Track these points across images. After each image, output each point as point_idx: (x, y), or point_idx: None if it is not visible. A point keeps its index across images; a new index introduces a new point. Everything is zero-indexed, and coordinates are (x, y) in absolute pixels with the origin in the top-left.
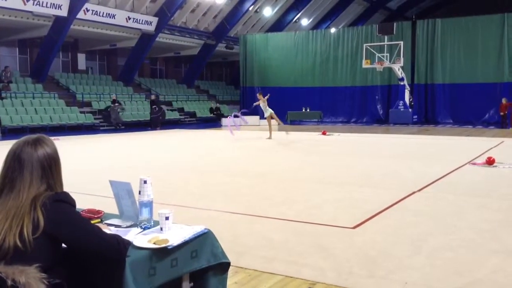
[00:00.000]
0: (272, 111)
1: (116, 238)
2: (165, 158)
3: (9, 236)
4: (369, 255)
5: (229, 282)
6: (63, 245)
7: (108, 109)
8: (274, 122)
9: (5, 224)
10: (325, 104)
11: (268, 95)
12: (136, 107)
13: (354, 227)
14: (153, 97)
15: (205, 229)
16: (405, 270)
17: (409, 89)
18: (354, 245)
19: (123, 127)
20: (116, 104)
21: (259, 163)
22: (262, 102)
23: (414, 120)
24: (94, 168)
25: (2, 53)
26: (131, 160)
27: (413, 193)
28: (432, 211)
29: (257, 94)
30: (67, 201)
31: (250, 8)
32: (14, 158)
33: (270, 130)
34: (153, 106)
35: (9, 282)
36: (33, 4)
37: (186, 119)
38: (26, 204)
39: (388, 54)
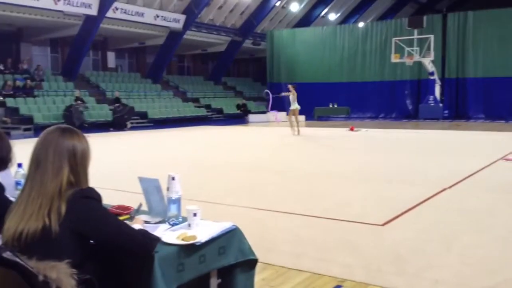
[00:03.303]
0: (299, 107)
1: (143, 234)
2: (191, 154)
3: (39, 214)
4: (399, 252)
5: (257, 278)
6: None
7: (70, 108)
8: (300, 118)
9: (36, 202)
10: (353, 99)
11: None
12: (164, 104)
13: (383, 224)
14: (116, 94)
15: (233, 225)
16: (436, 268)
17: (439, 83)
18: (383, 242)
19: (86, 125)
20: (79, 102)
21: (285, 159)
22: (292, 95)
23: (445, 115)
24: (119, 164)
25: (34, 52)
26: (156, 157)
27: (444, 189)
28: (463, 208)
29: (289, 86)
30: (93, 196)
31: (277, 4)
32: (40, 140)
33: (298, 126)
34: (116, 105)
35: (41, 278)
36: (64, 4)
37: (213, 116)
38: (53, 187)
39: (418, 48)
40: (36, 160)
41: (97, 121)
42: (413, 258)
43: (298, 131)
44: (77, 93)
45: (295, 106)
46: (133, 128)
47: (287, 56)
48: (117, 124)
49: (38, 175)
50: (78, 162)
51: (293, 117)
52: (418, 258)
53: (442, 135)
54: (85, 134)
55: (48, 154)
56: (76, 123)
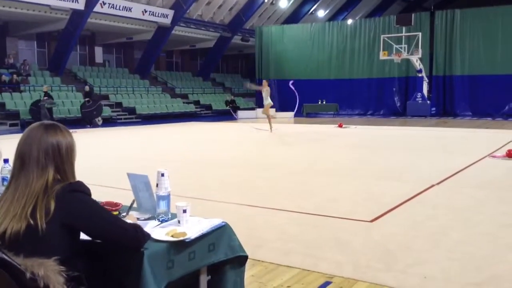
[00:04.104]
0: (271, 103)
1: (135, 228)
2: (179, 151)
3: (23, 214)
4: (387, 248)
5: (246, 275)
6: (81, 237)
7: (38, 104)
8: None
9: (20, 202)
10: (341, 96)
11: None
12: (153, 100)
13: (372, 221)
14: (86, 88)
15: (222, 222)
16: (424, 264)
17: (427, 80)
18: (372, 238)
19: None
20: (45, 98)
21: (274, 155)
22: (266, 90)
23: (432, 112)
24: (107, 161)
25: (20, 47)
26: (144, 153)
27: (432, 186)
28: (451, 205)
29: (264, 81)
30: (82, 190)
31: (266, 0)
32: (24, 136)
33: (270, 122)
34: (86, 99)
35: (28, 275)
36: None
37: (202, 112)
38: (38, 185)
39: (406, 46)
40: (20, 159)
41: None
42: (402, 254)
43: (270, 127)
44: (45, 88)
45: (268, 101)
46: (121, 123)
47: (276, 52)
48: (85, 120)
49: (22, 174)
50: (64, 159)
51: (270, 113)
52: (407, 254)
53: (429, 132)
54: (71, 130)
55: (32, 152)
56: (42, 119)
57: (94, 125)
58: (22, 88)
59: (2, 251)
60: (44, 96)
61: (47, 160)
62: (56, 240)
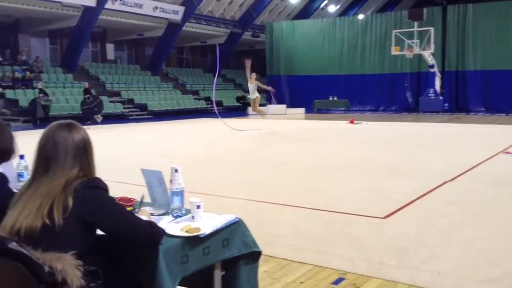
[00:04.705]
0: (259, 96)
1: (151, 224)
2: (190, 147)
3: (39, 214)
4: (400, 245)
5: (259, 270)
6: (97, 232)
7: (34, 101)
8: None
9: (36, 202)
10: (352, 92)
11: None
12: (164, 96)
13: (385, 217)
14: (86, 85)
15: (236, 218)
16: (437, 261)
17: (439, 76)
18: (384, 235)
19: (44, 120)
20: (41, 95)
21: (285, 151)
22: (253, 83)
23: (445, 108)
24: (119, 157)
25: (33, 44)
26: (155, 149)
27: (445, 182)
28: (464, 201)
29: (253, 73)
30: (100, 186)
31: None
32: (48, 140)
33: (258, 110)
34: (86, 96)
35: (46, 269)
36: None
37: (212, 108)
38: (59, 186)
39: (418, 41)
40: (46, 162)
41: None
42: (415, 251)
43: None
44: (40, 85)
45: (255, 95)
46: (133, 120)
47: (287, 48)
48: (85, 117)
49: (46, 176)
50: (88, 156)
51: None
52: (420, 250)
53: (442, 128)
54: (85, 126)
55: (60, 154)
56: (37, 116)
57: (93, 122)
58: (35, 84)
59: (21, 245)
60: (40, 93)
61: (74, 160)
62: (73, 235)
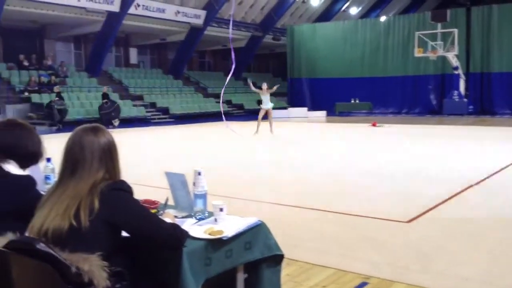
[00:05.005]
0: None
1: (175, 227)
2: (211, 150)
3: (66, 215)
4: (425, 250)
5: (282, 274)
6: (123, 233)
7: (50, 104)
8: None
9: (63, 204)
10: (375, 94)
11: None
12: (186, 100)
13: (409, 221)
14: (105, 89)
15: (258, 221)
16: (463, 266)
17: (464, 78)
18: (408, 239)
19: (61, 123)
20: (56, 99)
21: (307, 154)
22: (266, 93)
23: (470, 110)
24: (144, 159)
25: (58, 49)
26: (176, 152)
27: (470, 186)
28: (489, 206)
29: (264, 84)
30: (125, 189)
31: None
32: (75, 143)
33: (259, 125)
34: (104, 100)
35: (73, 269)
36: (87, 1)
37: (234, 111)
38: (85, 188)
39: (442, 42)
40: (73, 165)
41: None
42: (439, 256)
43: (258, 129)
44: (55, 89)
45: (268, 106)
46: (155, 123)
47: (308, 51)
48: (103, 121)
49: (73, 179)
50: (114, 159)
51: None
52: (444, 255)
53: (467, 131)
54: (109, 130)
55: (86, 157)
56: (55, 120)
57: (111, 126)
58: (59, 89)
59: (49, 246)
60: (56, 97)
61: (100, 163)
62: (99, 237)
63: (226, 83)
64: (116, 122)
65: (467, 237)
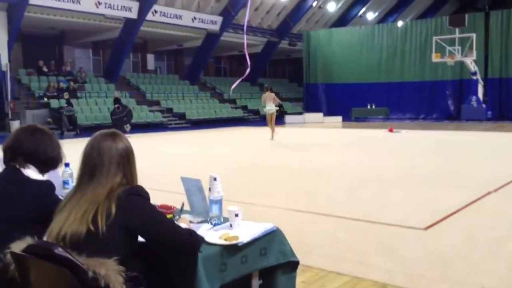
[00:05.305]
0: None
1: (190, 232)
2: (227, 155)
3: (83, 220)
4: (443, 258)
5: (297, 280)
6: (139, 238)
7: (60, 111)
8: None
9: (81, 209)
10: (391, 100)
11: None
12: (202, 105)
13: (426, 228)
14: (116, 94)
15: (274, 226)
16: (482, 275)
17: (482, 83)
18: (426, 247)
19: (71, 130)
20: (65, 105)
21: (323, 160)
22: (271, 100)
23: (488, 116)
24: (158, 164)
25: (77, 55)
26: (193, 157)
27: (489, 193)
28: (509, 213)
29: (266, 90)
30: (142, 194)
31: (314, 4)
32: (93, 148)
33: (273, 129)
34: (116, 105)
35: (90, 274)
36: (105, 7)
37: (250, 117)
38: (103, 193)
39: (459, 47)
40: (91, 170)
41: (137, 122)
42: (458, 264)
43: (273, 135)
44: (65, 95)
45: (272, 110)
46: (172, 128)
47: (324, 56)
48: (115, 126)
49: (91, 184)
50: (131, 165)
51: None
52: (463, 264)
53: (485, 136)
54: (126, 135)
55: (104, 163)
56: (63, 126)
57: (123, 131)
58: (78, 95)
59: (66, 250)
60: (66, 103)
61: (118, 168)
62: (115, 242)
63: (235, 84)
64: (127, 128)
65: (486, 245)
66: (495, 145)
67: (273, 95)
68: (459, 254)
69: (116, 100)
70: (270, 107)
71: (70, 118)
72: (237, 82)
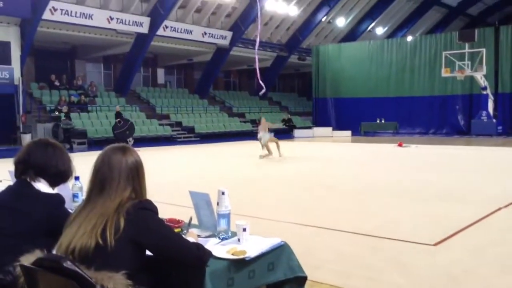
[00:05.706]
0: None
1: (198, 247)
2: (236, 169)
3: (93, 234)
4: (453, 274)
5: None
6: (147, 252)
7: (58, 124)
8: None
9: (91, 222)
10: (401, 114)
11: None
12: (211, 119)
13: (435, 244)
14: (117, 108)
15: (282, 241)
16: None
17: (492, 98)
18: (435, 263)
19: (67, 146)
20: (63, 118)
21: (332, 175)
22: (264, 129)
23: (499, 131)
24: (169, 178)
25: (88, 69)
26: (202, 171)
27: (499, 209)
28: None
29: (263, 120)
30: (150, 208)
31: (323, 19)
32: (104, 162)
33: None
34: (117, 120)
35: (98, 287)
36: (117, 23)
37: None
38: (113, 207)
39: (469, 62)
40: (101, 184)
41: (147, 135)
42: (467, 280)
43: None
44: (64, 109)
45: (266, 138)
46: (181, 142)
47: (333, 71)
48: (118, 140)
49: (101, 197)
50: (140, 179)
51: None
52: (473, 280)
53: (496, 152)
54: (136, 149)
55: (114, 177)
56: (59, 139)
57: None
58: (89, 108)
59: (75, 264)
60: (64, 116)
61: (127, 182)
62: (124, 255)
63: (262, 91)
64: (131, 142)
65: (496, 261)
66: (505, 160)
67: (264, 123)
68: (469, 270)
69: (118, 114)
70: (262, 135)
71: (67, 131)
72: (263, 91)
